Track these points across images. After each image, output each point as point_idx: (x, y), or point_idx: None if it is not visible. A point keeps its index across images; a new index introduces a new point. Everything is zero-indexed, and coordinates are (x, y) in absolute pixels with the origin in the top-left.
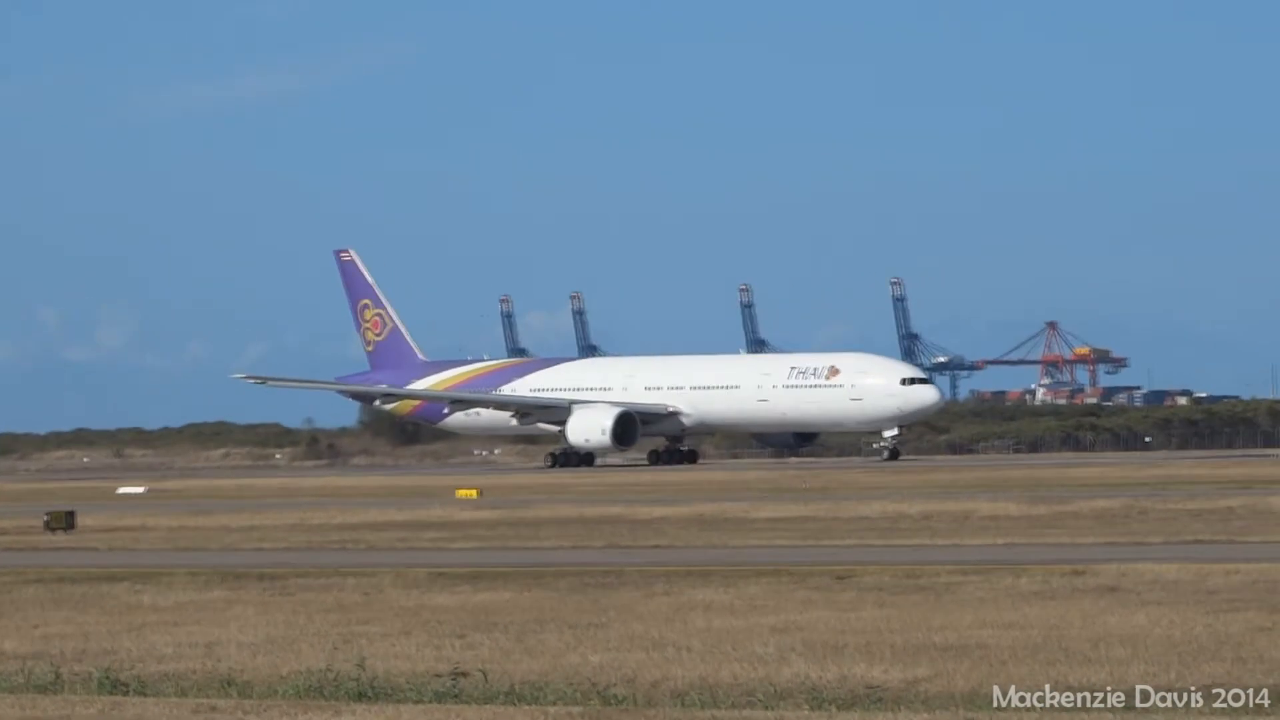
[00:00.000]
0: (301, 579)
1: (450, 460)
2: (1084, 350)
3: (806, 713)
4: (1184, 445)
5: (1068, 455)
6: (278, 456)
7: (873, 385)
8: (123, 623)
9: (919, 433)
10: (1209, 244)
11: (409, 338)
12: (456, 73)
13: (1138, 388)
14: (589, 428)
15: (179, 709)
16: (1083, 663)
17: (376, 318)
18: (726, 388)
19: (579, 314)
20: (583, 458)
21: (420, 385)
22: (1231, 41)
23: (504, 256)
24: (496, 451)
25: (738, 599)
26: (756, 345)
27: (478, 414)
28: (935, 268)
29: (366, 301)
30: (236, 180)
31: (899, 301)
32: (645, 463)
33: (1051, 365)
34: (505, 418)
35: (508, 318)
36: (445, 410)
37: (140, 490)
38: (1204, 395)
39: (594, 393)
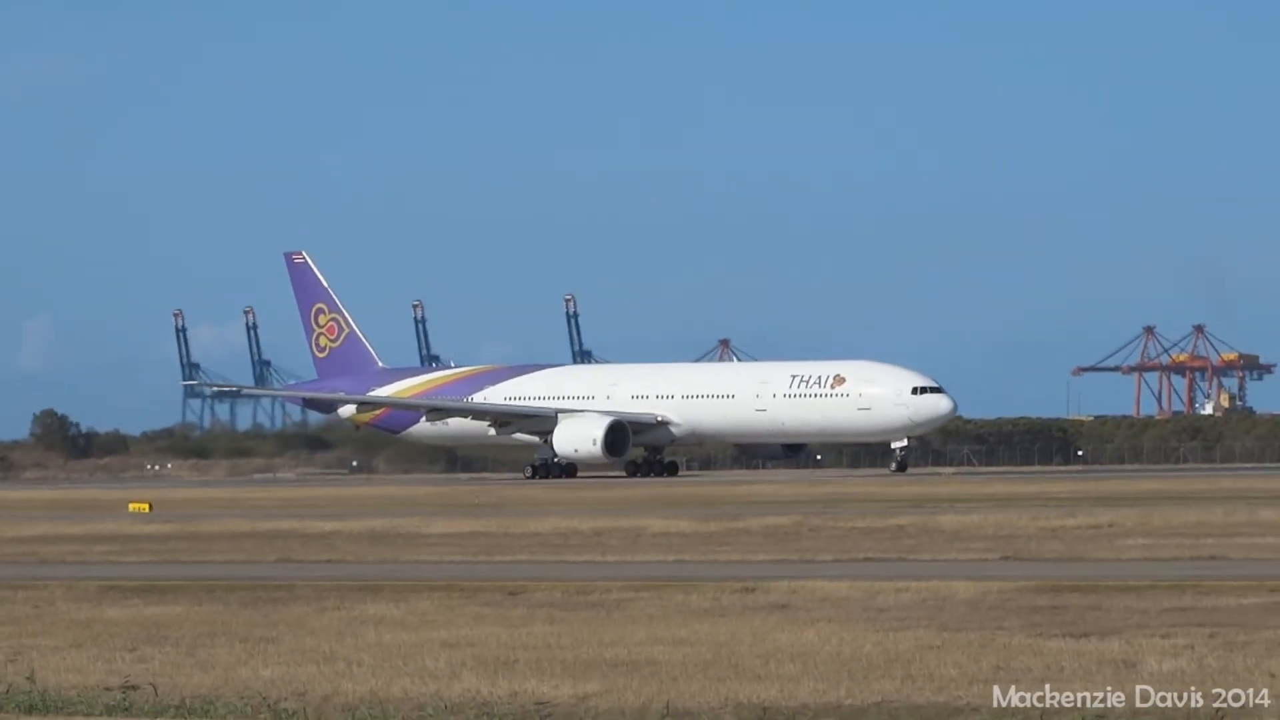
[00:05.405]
0: None
1: (123, 474)
2: None
3: None
4: (855, 464)
5: (740, 473)
6: None
7: (881, 394)
8: None
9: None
10: (884, 263)
11: (367, 344)
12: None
13: None
14: (578, 438)
15: None
16: (753, 679)
17: (332, 323)
18: (721, 396)
19: (252, 329)
20: (565, 469)
21: (382, 393)
22: (909, 64)
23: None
24: (169, 466)
25: (409, 614)
26: (430, 360)
27: (445, 423)
28: (609, 284)
29: (321, 306)
30: None
31: (572, 318)
32: (623, 475)
33: None
34: (479, 427)
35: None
36: (422, 418)
37: None
38: None
39: (577, 401)
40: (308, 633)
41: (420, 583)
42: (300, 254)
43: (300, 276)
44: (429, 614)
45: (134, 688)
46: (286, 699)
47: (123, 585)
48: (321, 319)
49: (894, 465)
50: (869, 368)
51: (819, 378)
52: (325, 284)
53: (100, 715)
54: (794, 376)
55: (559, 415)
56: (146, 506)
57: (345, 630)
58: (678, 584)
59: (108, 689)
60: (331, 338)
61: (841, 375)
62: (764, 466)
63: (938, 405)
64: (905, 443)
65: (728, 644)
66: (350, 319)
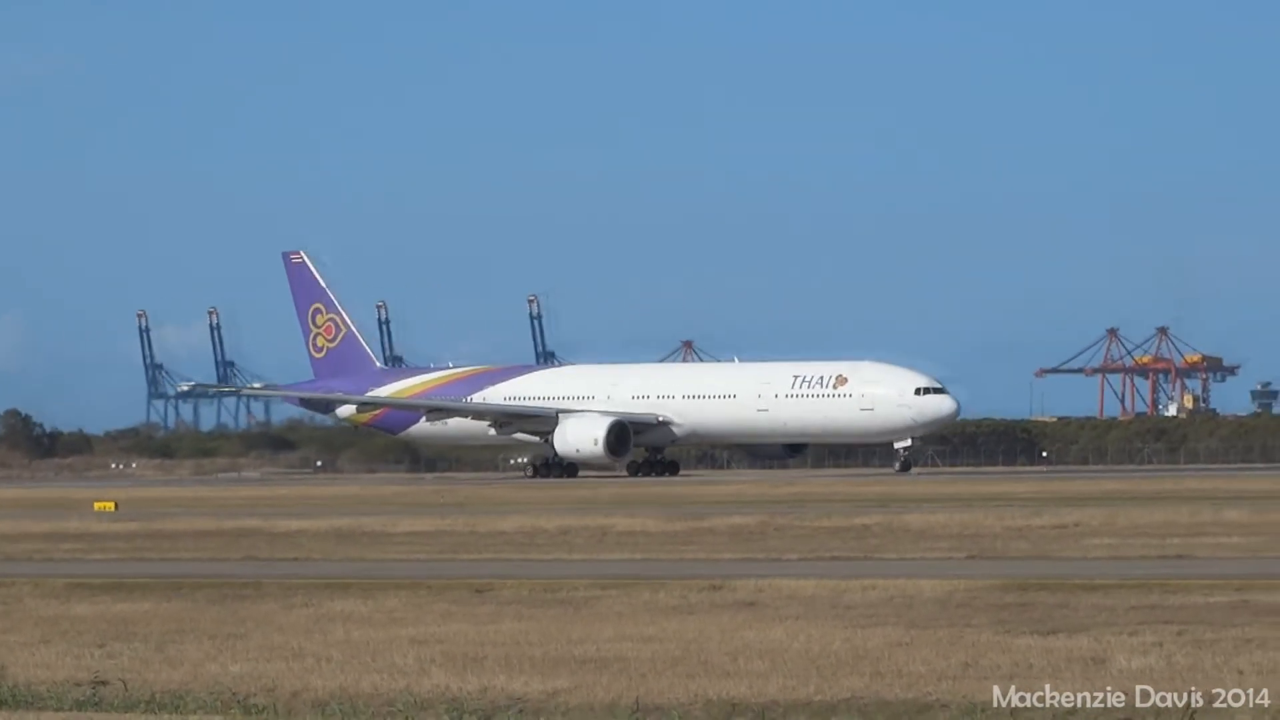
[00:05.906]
0: None
1: (87, 474)
2: None
3: None
4: (820, 463)
5: (705, 472)
6: None
7: (884, 395)
8: None
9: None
10: (863, 265)
11: (365, 344)
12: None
13: None
14: (580, 438)
15: None
16: (722, 676)
17: (329, 323)
18: (723, 397)
19: (216, 330)
20: (566, 468)
21: (380, 393)
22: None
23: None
24: (134, 465)
25: (377, 611)
26: (394, 361)
27: (444, 423)
28: (574, 285)
29: (319, 306)
30: None
31: (536, 319)
32: (624, 474)
33: None
34: (479, 427)
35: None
36: (423, 418)
37: None
38: None
39: (577, 401)
40: (276, 629)
41: (387, 580)
42: (298, 254)
43: (298, 276)
44: (396, 611)
45: (104, 683)
46: (256, 694)
47: (90, 582)
48: (319, 319)
49: (897, 465)
50: (872, 368)
51: (821, 378)
52: (323, 284)
53: (70, 710)
54: (796, 377)
55: (560, 415)
56: (112, 505)
57: (313, 627)
58: (645, 582)
59: (77, 684)
60: (329, 338)
61: (844, 376)
62: (728, 466)
63: (941, 406)
64: (909, 443)
65: (696, 641)
66: (348, 319)
